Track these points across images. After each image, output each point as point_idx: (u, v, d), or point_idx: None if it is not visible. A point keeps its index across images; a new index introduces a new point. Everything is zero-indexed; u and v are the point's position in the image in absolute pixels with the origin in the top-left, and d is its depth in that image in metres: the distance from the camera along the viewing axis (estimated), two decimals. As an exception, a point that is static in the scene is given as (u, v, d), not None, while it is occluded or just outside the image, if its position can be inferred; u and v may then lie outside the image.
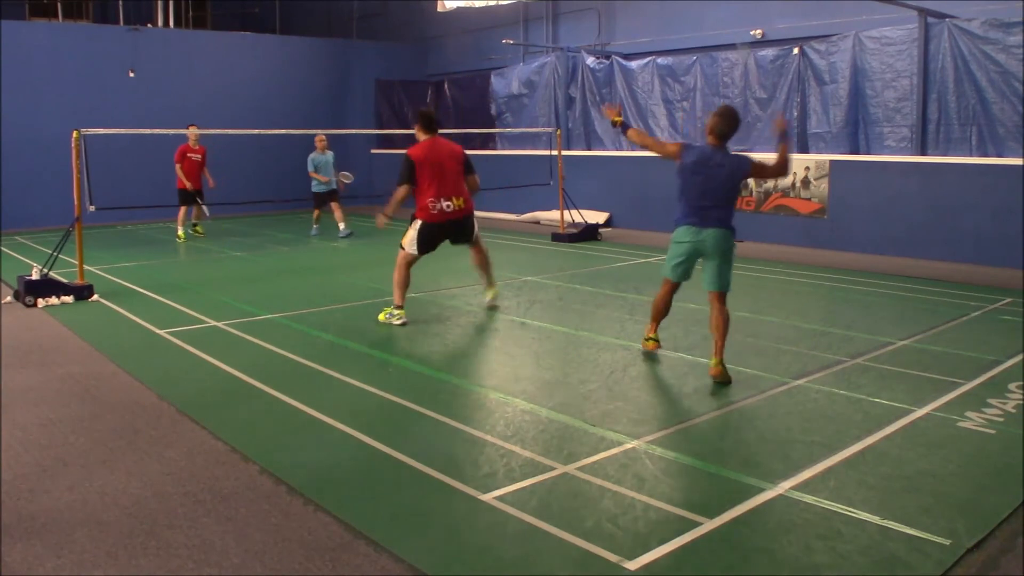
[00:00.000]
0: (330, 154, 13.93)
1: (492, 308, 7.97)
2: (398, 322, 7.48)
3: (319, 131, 14.39)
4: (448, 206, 7.57)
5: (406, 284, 7.63)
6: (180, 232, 13.51)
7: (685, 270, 5.89)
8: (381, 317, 7.59)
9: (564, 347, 6.67)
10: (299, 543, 3.38)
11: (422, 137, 7.65)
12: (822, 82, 12.57)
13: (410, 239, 7.57)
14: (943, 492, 3.84)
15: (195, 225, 14.02)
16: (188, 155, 13.18)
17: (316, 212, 14.32)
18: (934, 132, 11.47)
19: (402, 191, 7.48)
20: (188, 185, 13.13)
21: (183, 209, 13.42)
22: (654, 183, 14.58)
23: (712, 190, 5.69)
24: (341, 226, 13.87)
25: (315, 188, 13.91)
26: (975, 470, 4.12)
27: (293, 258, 12.04)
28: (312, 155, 13.90)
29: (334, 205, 13.92)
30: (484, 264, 8.02)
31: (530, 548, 3.32)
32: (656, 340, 6.22)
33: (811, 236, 12.42)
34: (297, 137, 16.16)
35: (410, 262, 7.61)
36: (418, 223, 7.56)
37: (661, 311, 6.12)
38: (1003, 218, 10.37)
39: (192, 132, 12.81)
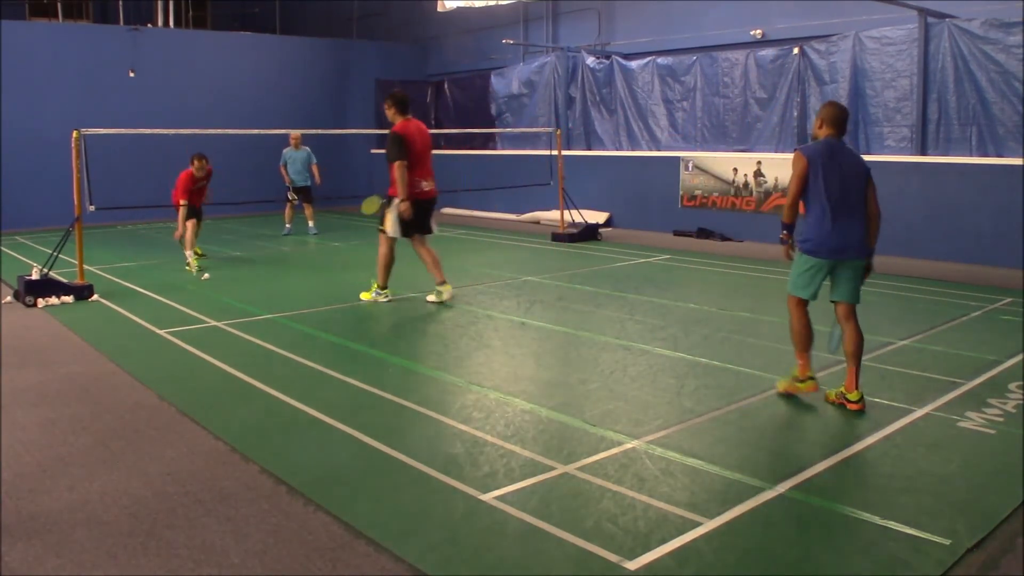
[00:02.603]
0: (305, 150, 13.97)
1: (441, 304, 8.08)
2: (384, 299, 8.12)
3: (318, 131, 14.42)
4: (426, 185, 8.03)
5: (391, 265, 8.14)
6: (193, 260, 10.57)
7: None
8: (367, 296, 8.24)
9: (564, 347, 6.67)
10: (299, 543, 3.37)
11: (397, 119, 7.94)
12: (822, 82, 12.56)
13: (392, 223, 7.90)
14: (943, 492, 3.84)
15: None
16: (193, 188, 10.79)
17: (288, 210, 14.33)
18: (934, 132, 11.48)
19: (402, 167, 7.72)
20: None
21: (192, 227, 10.74)
22: (654, 183, 14.61)
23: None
24: (289, 225, 14.28)
25: (288, 185, 13.99)
26: (975, 470, 4.12)
27: (293, 258, 12.04)
28: (285, 150, 13.96)
29: (306, 203, 14.09)
30: (436, 262, 8.17)
31: (530, 548, 3.32)
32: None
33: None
34: (296, 137, 16.20)
35: (393, 244, 8.06)
36: (396, 201, 7.84)
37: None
38: (1003, 218, 10.37)
39: (202, 165, 10.77)
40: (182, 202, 10.58)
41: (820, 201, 4.96)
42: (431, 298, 8.17)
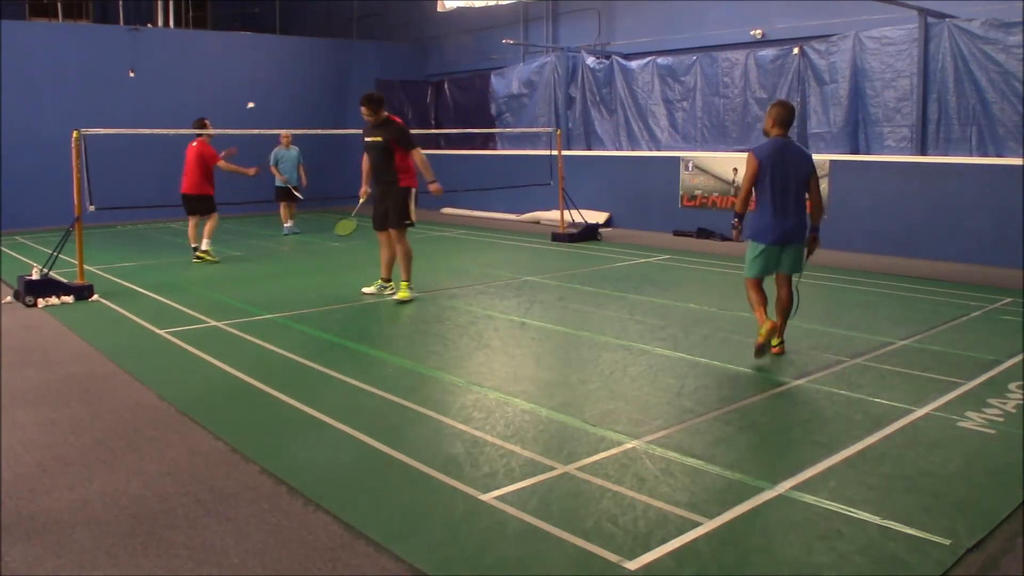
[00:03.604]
0: (295, 150, 14.09)
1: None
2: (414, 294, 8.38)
3: (318, 131, 14.40)
4: None
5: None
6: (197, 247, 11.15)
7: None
8: (404, 295, 8.26)
9: (564, 347, 6.67)
10: (299, 543, 3.37)
11: (384, 114, 8.22)
12: (822, 82, 12.57)
13: (413, 210, 8.35)
14: (943, 492, 3.84)
15: (195, 248, 11.27)
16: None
17: (282, 209, 14.35)
18: (934, 132, 11.48)
19: (422, 152, 8.27)
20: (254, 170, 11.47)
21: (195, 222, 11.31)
22: (654, 183, 14.61)
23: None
24: (288, 223, 14.29)
25: (276, 183, 14.03)
26: (975, 470, 4.12)
27: (293, 258, 12.04)
28: (275, 150, 13.99)
29: (289, 203, 14.16)
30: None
31: (530, 548, 3.32)
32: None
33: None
34: (297, 137, 16.12)
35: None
36: (414, 191, 8.32)
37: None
38: (1003, 218, 10.37)
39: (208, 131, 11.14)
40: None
41: (768, 197, 5.93)
42: (369, 290, 8.64)
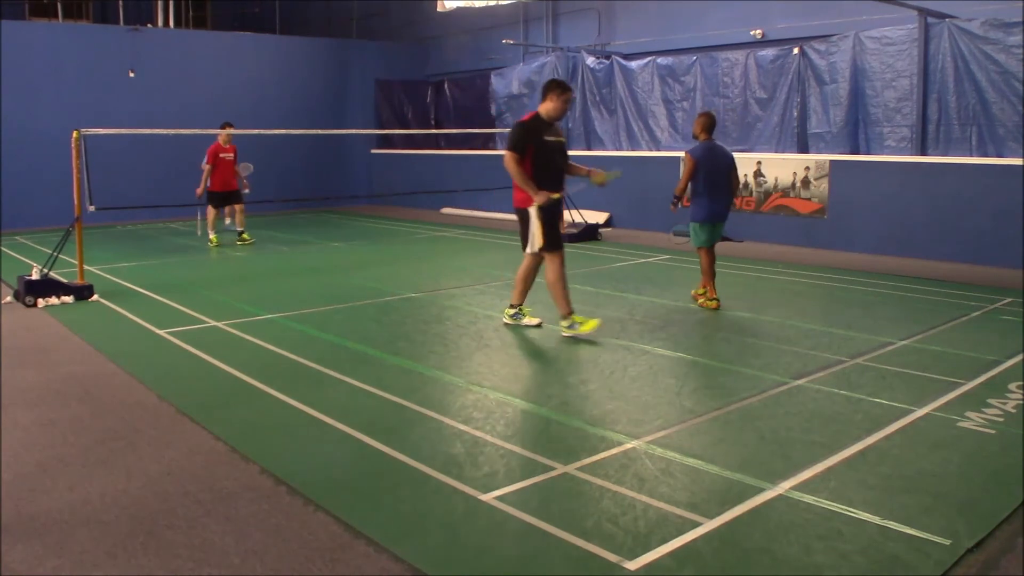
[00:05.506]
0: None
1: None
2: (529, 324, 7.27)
3: (318, 131, 14.38)
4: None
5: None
6: (213, 237, 12.75)
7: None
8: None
9: (564, 347, 6.66)
10: (299, 543, 3.37)
11: None
12: (822, 82, 12.57)
13: None
14: (943, 492, 3.84)
15: (241, 232, 12.99)
16: (221, 155, 12.47)
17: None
18: (934, 132, 11.48)
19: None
20: (203, 189, 12.52)
21: (214, 212, 12.75)
22: (654, 183, 14.60)
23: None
24: (226, 220, 13.93)
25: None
26: (975, 470, 4.12)
27: (293, 258, 12.04)
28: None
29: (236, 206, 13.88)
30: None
31: (530, 548, 3.32)
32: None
33: (811, 236, 12.43)
34: (297, 137, 16.15)
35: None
36: None
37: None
38: (1003, 218, 10.37)
39: (225, 133, 12.39)
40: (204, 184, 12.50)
41: (703, 187, 7.67)
42: (573, 332, 6.85)
